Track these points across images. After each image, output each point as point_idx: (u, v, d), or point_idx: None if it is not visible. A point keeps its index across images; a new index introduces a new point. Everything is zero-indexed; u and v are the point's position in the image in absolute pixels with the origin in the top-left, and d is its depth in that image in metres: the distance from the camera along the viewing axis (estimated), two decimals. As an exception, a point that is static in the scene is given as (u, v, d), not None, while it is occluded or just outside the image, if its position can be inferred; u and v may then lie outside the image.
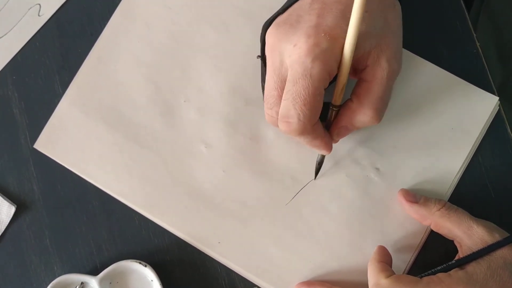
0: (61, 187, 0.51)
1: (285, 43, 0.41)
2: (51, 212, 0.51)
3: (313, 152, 0.49)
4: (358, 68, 0.43)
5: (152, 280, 0.48)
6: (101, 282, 0.48)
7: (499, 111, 0.51)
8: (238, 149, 0.50)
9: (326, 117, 0.45)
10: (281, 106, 0.41)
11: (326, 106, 0.44)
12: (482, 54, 0.52)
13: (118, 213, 0.50)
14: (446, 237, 0.46)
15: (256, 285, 0.49)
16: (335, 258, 0.48)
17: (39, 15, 0.53)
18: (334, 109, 0.44)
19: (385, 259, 0.45)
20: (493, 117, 0.50)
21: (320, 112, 0.41)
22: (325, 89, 0.41)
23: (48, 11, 0.53)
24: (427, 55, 0.51)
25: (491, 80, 0.51)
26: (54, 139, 0.51)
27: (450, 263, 0.44)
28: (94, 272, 0.49)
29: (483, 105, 0.50)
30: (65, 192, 0.51)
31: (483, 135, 0.50)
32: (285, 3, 0.45)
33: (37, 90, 0.52)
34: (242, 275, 0.49)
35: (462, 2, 0.52)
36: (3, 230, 0.50)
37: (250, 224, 0.49)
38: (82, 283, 0.48)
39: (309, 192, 0.49)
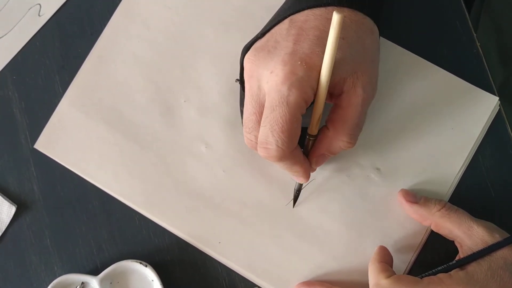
0: (61, 187, 0.51)
1: (262, 69, 0.41)
2: (51, 212, 0.51)
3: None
4: (333, 93, 0.43)
5: (152, 280, 0.48)
6: (101, 282, 0.48)
7: (499, 111, 0.51)
8: (238, 149, 0.50)
9: (303, 142, 0.45)
10: (260, 132, 0.41)
11: (304, 131, 0.44)
12: (482, 54, 0.52)
13: (118, 213, 0.50)
14: (447, 237, 0.46)
15: (256, 285, 0.49)
16: (335, 258, 0.48)
17: (39, 15, 0.53)
18: (311, 138, 0.44)
19: (385, 259, 0.45)
20: (493, 117, 0.50)
21: (298, 138, 0.42)
22: (302, 115, 0.41)
23: (48, 11, 0.53)
24: (427, 55, 0.51)
25: (491, 80, 0.51)
26: (54, 139, 0.51)
27: (450, 263, 0.44)
28: (94, 272, 0.49)
29: (483, 105, 0.50)
30: (65, 192, 0.51)
31: (483, 135, 0.50)
32: (264, 27, 0.45)
33: (37, 90, 0.52)
34: (242, 275, 0.49)
35: (462, 2, 0.52)
36: (3, 230, 0.50)
37: (250, 224, 0.49)
38: (82, 283, 0.48)
39: (309, 192, 0.49)
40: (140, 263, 0.48)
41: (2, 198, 0.50)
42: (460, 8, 0.52)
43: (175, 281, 0.49)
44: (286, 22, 0.43)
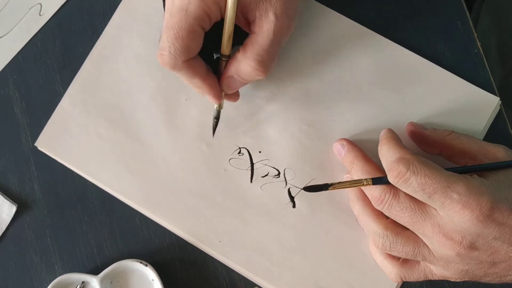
0: (62, 186, 0.51)
1: None
2: (52, 212, 0.51)
3: (316, 152, 0.49)
4: (249, 19, 0.44)
5: (153, 280, 0.48)
6: (102, 282, 0.48)
7: (500, 112, 0.51)
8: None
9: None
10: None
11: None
12: (483, 54, 0.52)
13: (119, 212, 0.50)
14: (457, 164, 0.45)
15: (256, 285, 0.49)
16: (336, 258, 0.48)
17: (40, 15, 0.53)
18: (223, 59, 0.45)
19: (398, 138, 0.45)
20: (494, 118, 0.50)
21: (195, 51, 0.42)
22: (205, 32, 0.42)
23: (49, 10, 0.53)
24: (428, 55, 0.51)
25: (492, 80, 0.51)
26: (55, 138, 0.51)
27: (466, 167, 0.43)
28: (95, 271, 0.49)
29: (484, 105, 0.50)
30: (66, 191, 0.51)
31: (484, 135, 0.50)
32: None
33: (38, 90, 0.52)
34: (242, 274, 0.49)
35: (463, 1, 0.52)
36: (4, 229, 0.50)
37: (250, 223, 0.49)
38: (83, 282, 0.48)
39: (310, 192, 0.49)
40: (141, 262, 0.48)
41: (2, 197, 0.50)
42: (461, 7, 0.52)
43: (175, 281, 0.49)
44: None
